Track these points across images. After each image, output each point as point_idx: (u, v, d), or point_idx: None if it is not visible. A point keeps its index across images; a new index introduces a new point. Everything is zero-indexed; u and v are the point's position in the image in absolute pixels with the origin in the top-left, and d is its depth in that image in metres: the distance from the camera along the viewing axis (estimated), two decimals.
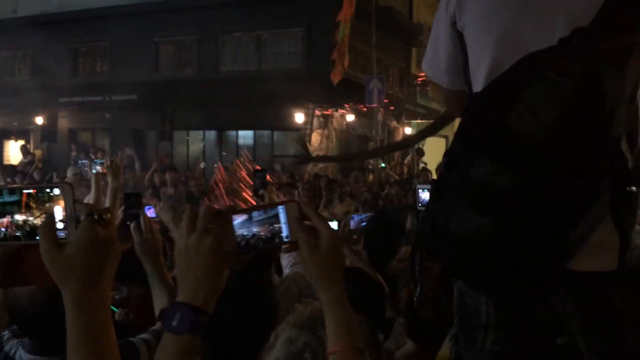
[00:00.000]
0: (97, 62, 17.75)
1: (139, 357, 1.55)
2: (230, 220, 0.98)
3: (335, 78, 12.53)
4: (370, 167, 13.08)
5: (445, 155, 1.32)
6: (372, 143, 14.61)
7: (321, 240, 0.99)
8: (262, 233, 1.01)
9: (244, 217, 1.02)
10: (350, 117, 15.86)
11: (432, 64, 1.53)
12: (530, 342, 1.33)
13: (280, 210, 1.01)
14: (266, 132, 16.16)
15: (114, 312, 2.12)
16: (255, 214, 1.02)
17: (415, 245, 1.46)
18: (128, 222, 1.77)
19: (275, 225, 1.01)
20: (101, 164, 4.16)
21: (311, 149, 15.39)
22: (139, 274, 1.82)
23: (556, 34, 1.21)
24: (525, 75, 1.20)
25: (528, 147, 1.16)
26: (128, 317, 2.09)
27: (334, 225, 3.22)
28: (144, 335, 1.64)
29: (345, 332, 0.98)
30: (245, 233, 1.01)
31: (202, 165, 12.23)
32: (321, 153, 15.52)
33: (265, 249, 1.06)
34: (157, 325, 1.69)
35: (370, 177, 11.58)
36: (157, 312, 1.74)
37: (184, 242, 0.95)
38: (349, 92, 14.19)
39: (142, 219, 1.75)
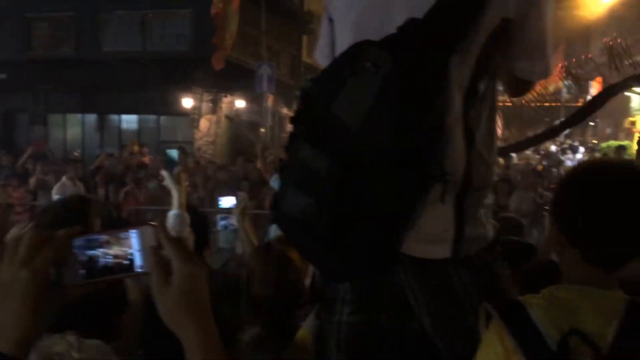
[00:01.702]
0: None
1: None
2: (64, 248, 0.84)
3: (218, 64, 12.16)
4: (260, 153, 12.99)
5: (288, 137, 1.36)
6: (262, 130, 14.52)
7: (174, 274, 0.82)
8: (110, 261, 0.87)
9: (88, 241, 0.87)
10: (241, 103, 15.65)
11: (318, 51, 1.56)
12: (383, 312, 1.42)
13: (133, 235, 0.86)
14: (152, 117, 15.56)
15: None
16: (102, 237, 0.87)
17: (272, 221, 1.47)
18: None
19: (128, 252, 0.86)
20: None
21: (199, 134, 15.05)
22: None
23: (399, 23, 1.23)
24: (349, 64, 1.23)
25: (343, 135, 1.21)
26: None
27: (232, 201, 3.15)
28: None
29: None
30: (88, 261, 0.86)
31: (76, 153, 11.52)
32: (210, 139, 15.22)
33: (112, 280, 0.90)
34: None
35: (259, 164, 11.49)
36: None
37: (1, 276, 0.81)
38: (239, 78, 13.99)
39: None
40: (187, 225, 2.38)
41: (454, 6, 1.24)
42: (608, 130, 19.91)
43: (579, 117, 4.09)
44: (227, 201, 3.23)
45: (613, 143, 14.71)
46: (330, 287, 1.47)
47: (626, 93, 15.82)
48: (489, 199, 1.41)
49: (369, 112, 1.19)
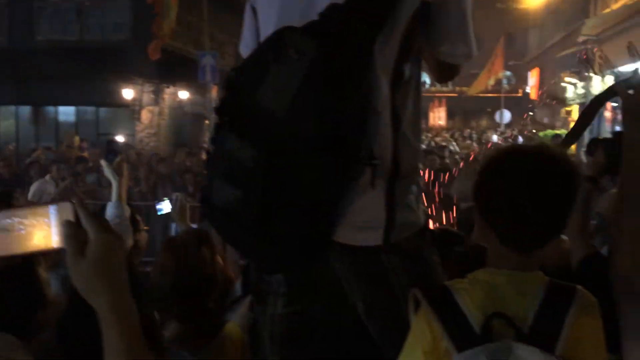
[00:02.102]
0: None
1: None
2: None
3: (154, 54, 11.80)
4: (205, 144, 12.77)
5: (214, 129, 1.34)
6: (207, 122, 14.27)
7: (89, 244, 0.83)
8: (25, 234, 0.87)
9: (6, 216, 0.87)
10: (184, 94, 15.33)
11: (243, 42, 1.54)
12: (316, 302, 1.42)
13: (52, 211, 0.88)
14: (90, 109, 15.06)
15: None
16: (21, 212, 0.88)
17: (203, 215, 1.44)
18: None
19: (45, 228, 0.88)
20: None
21: (141, 126, 14.66)
22: None
23: (321, 9, 1.22)
24: (272, 51, 1.21)
25: (269, 124, 1.19)
26: None
27: (167, 204, 3.12)
28: None
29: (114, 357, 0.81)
30: (4, 234, 0.87)
31: (11, 147, 11.07)
32: (152, 131, 14.85)
33: (28, 254, 0.91)
34: None
35: (204, 156, 11.29)
36: None
37: None
38: (182, 68, 13.69)
39: None
40: (126, 217, 2.30)
41: None
42: (545, 120, 20.69)
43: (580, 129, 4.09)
44: (165, 206, 3.17)
45: (549, 132, 15.27)
46: (264, 281, 1.45)
47: (562, 84, 16.47)
48: (418, 185, 1.42)
49: (294, 99, 1.17)
